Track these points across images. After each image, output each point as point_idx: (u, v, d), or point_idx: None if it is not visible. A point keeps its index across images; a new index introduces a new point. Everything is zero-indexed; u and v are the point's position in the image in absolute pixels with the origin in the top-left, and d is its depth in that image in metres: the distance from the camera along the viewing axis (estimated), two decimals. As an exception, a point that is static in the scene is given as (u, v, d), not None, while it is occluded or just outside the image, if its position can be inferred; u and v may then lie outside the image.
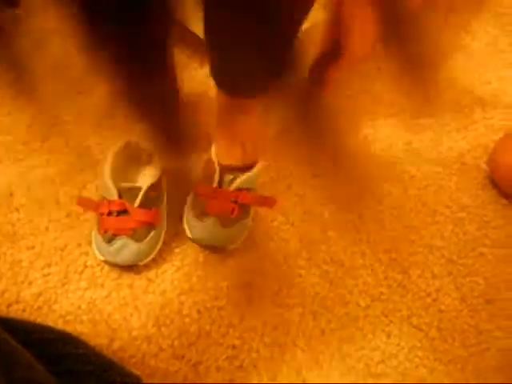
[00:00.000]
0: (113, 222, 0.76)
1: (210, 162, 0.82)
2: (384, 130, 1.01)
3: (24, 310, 0.75)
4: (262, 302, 0.81)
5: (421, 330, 0.82)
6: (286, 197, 0.90)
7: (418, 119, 1.03)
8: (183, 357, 0.76)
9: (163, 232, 0.81)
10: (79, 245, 0.81)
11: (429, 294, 0.85)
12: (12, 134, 0.90)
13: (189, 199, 0.84)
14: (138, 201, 0.76)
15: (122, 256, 0.76)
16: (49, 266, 0.79)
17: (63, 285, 0.78)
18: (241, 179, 0.79)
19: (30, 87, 0.95)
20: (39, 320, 0.75)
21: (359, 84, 1.05)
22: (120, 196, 0.77)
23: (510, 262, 0.90)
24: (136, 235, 0.77)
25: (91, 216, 0.83)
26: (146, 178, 0.81)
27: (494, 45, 1.17)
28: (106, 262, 0.78)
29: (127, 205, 0.76)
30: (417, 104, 1.05)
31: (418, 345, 0.81)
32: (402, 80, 1.08)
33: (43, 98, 0.94)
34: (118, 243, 0.76)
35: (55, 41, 1.02)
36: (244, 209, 0.81)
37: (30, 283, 0.78)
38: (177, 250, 0.83)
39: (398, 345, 0.81)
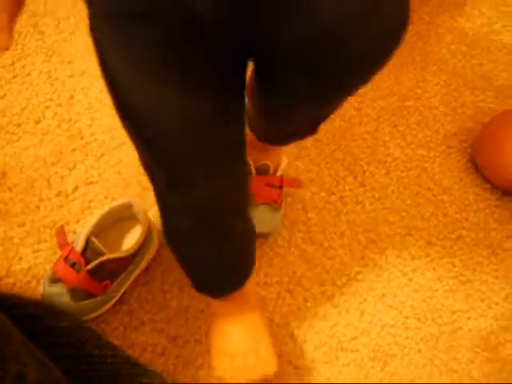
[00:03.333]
0: (62, 269, 0.75)
1: None
2: (370, 113, 1.02)
3: (14, 284, 0.80)
4: (240, 280, 0.84)
5: (394, 308, 0.85)
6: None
7: (405, 102, 1.05)
8: (163, 330, 0.80)
9: (109, 303, 0.79)
10: (67, 223, 0.85)
11: (405, 274, 0.88)
12: (7, 115, 0.94)
13: None
14: (90, 266, 0.74)
15: (57, 302, 0.75)
16: (38, 242, 0.83)
17: (52, 261, 0.82)
18: (282, 166, 0.84)
19: (24, 72, 0.99)
20: (28, 293, 0.79)
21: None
22: (84, 250, 0.75)
23: (486, 245, 0.91)
24: (75, 293, 0.75)
25: (80, 195, 0.87)
26: (123, 245, 0.81)
27: (488, 26, 1.17)
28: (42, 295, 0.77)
29: (82, 262, 0.74)
30: (405, 87, 1.06)
31: (391, 323, 0.84)
32: (391, 62, 1.08)
33: (38, 81, 0.98)
34: (57, 288, 0.75)
35: (51, 24, 1.05)
36: (282, 193, 0.86)
37: (21, 259, 0.82)
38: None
39: (371, 322, 0.84)
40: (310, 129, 0.71)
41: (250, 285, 0.70)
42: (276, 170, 0.85)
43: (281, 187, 0.85)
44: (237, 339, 0.70)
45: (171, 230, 0.61)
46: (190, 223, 0.57)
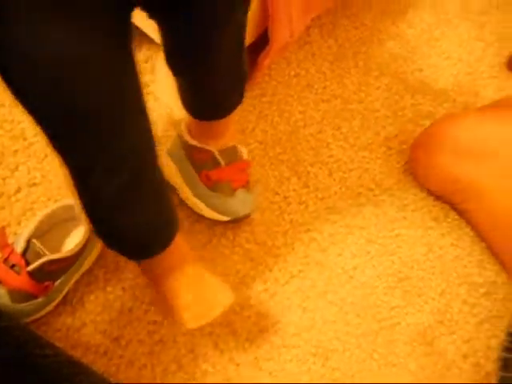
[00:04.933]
0: (1, 270, 0.74)
1: (201, 150, 0.86)
2: (315, 115, 1.05)
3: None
4: (184, 280, 0.85)
5: (335, 305, 0.87)
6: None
7: (348, 105, 1.07)
8: (105, 331, 0.80)
9: (51, 305, 0.78)
10: (9, 224, 0.84)
11: (346, 272, 0.90)
12: None
13: (206, 193, 0.87)
14: (31, 267, 0.73)
15: None
16: (-22, 244, 0.82)
17: (-8, 263, 0.81)
18: (243, 148, 0.88)
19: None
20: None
21: (293, 69, 1.09)
22: (25, 251, 0.74)
23: (423, 242, 0.95)
24: (15, 295, 0.74)
25: (22, 196, 0.86)
26: (65, 246, 0.81)
27: (428, 33, 1.21)
28: None
29: (23, 264, 0.73)
30: (348, 90, 1.09)
31: (332, 319, 0.86)
32: (335, 66, 1.12)
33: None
34: None
35: None
36: None
37: (-41, 261, 0.81)
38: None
39: (313, 319, 0.86)
40: (234, 94, 0.78)
41: (180, 237, 0.73)
42: (241, 152, 0.88)
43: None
44: (188, 288, 0.74)
45: (96, 203, 0.62)
46: (112, 188, 0.59)
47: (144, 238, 0.69)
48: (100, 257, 0.84)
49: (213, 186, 0.86)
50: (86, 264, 0.82)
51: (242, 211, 0.86)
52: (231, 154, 0.86)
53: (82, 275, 0.82)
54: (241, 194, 0.86)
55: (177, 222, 0.72)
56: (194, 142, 0.85)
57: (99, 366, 0.78)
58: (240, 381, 0.80)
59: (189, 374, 0.79)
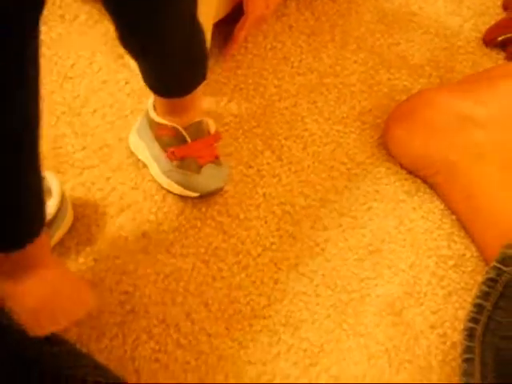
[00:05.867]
0: None
1: (166, 127, 0.86)
2: (290, 89, 1.05)
3: None
4: (157, 252, 0.86)
5: (306, 276, 0.89)
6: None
7: (324, 79, 1.08)
8: (78, 301, 0.80)
9: None
10: (-21, 196, 0.84)
11: (318, 244, 0.91)
12: None
13: (173, 169, 0.87)
14: None
15: None
16: None
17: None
18: (211, 122, 0.88)
19: None
20: None
21: (270, 42, 1.09)
22: None
23: (395, 216, 0.96)
24: None
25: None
26: None
27: (406, 7, 1.21)
28: None
29: None
30: (324, 64, 1.09)
31: (303, 290, 0.88)
32: (311, 40, 1.11)
33: None
34: None
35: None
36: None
37: None
38: (79, 202, 0.87)
39: (284, 290, 0.87)
40: (193, 74, 0.80)
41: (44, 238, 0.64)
42: (208, 127, 0.88)
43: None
44: (38, 292, 0.65)
45: None
46: None
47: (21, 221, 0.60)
48: (72, 228, 0.84)
49: (179, 162, 0.86)
50: (57, 236, 0.82)
51: (209, 187, 0.87)
52: (197, 129, 0.86)
53: (54, 246, 0.82)
54: (208, 169, 0.86)
55: (43, 219, 0.63)
56: (158, 119, 0.85)
57: (71, 336, 0.78)
58: (213, 351, 0.81)
59: (160, 343, 0.80)
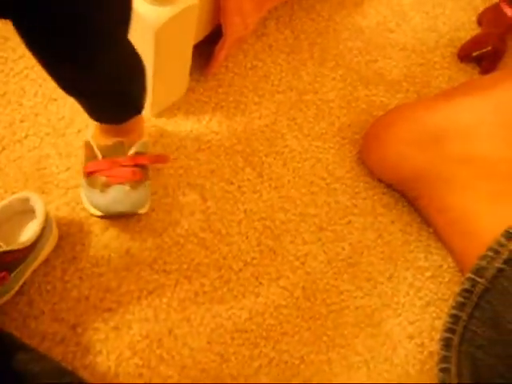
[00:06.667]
0: None
1: (84, 143, 0.88)
2: (270, 106, 1.07)
3: None
4: (140, 269, 0.88)
5: (287, 290, 0.91)
6: (170, 171, 0.96)
7: (303, 96, 1.10)
8: (63, 319, 0.82)
9: (8, 295, 0.80)
10: (-35, 217, 0.86)
11: (298, 258, 0.94)
12: None
13: (84, 185, 0.88)
14: None
15: None
16: None
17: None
18: (137, 144, 0.86)
19: None
20: None
21: (250, 61, 1.11)
22: None
23: (373, 229, 0.99)
24: None
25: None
26: (21, 238, 0.81)
27: (383, 24, 1.24)
28: None
29: None
30: (304, 81, 1.12)
31: (284, 303, 0.90)
32: (291, 58, 1.14)
33: None
34: None
35: None
36: (144, 171, 0.87)
37: None
38: (64, 222, 0.89)
39: (265, 304, 0.89)
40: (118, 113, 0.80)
41: None
42: (129, 149, 0.86)
43: (142, 165, 0.87)
44: None
45: None
46: None
47: None
48: (57, 247, 0.86)
49: (87, 179, 0.87)
50: (43, 254, 0.84)
51: (110, 208, 0.85)
52: (115, 148, 0.85)
53: (40, 265, 0.84)
54: (114, 190, 0.85)
55: None
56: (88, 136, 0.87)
57: (56, 353, 0.80)
58: (195, 365, 0.83)
59: (143, 359, 0.82)
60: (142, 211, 0.89)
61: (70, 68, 0.66)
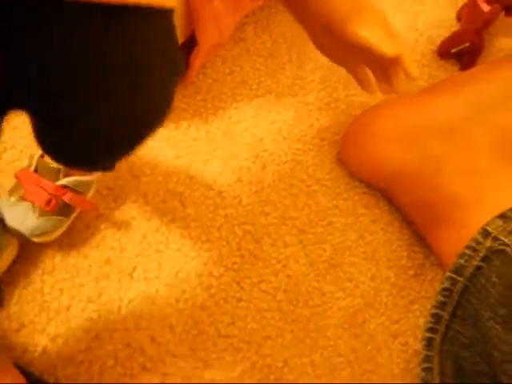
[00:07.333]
0: None
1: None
2: (249, 111, 1.08)
3: None
4: (120, 278, 0.88)
5: (269, 293, 0.91)
6: (150, 179, 0.96)
7: (282, 99, 1.11)
8: (44, 331, 0.82)
9: None
10: None
11: (279, 261, 0.94)
12: None
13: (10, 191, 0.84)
14: None
15: None
16: None
17: None
18: (71, 179, 0.82)
19: None
20: None
21: (228, 67, 1.12)
22: None
23: (354, 229, 0.99)
24: None
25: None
26: None
27: (361, 24, 1.24)
28: None
29: None
30: (282, 85, 1.12)
31: (266, 307, 0.90)
32: (269, 62, 1.14)
33: None
34: None
35: None
36: (64, 207, 0.84)
37: None
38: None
39: (247, 308, 0.89)
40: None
41: None
42: (59, 179, 0.82)
43: (61, 198, 0.82)
44: None
45: None
46: None
47: None
48: (36, 261, 0.86)
49: (16, 182, 0.84)
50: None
51: (12, 222, 0.80)
52: (50, 170, 0.82)
53: (19, 278, 0.85)
54: (25, 208, 0.80)
55: None
56: None
57: (38, 365, 0.80)
58: (176, 372, 0.83)
59: (126, 368, 0.82)
60: (35, 240, 0.83)
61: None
